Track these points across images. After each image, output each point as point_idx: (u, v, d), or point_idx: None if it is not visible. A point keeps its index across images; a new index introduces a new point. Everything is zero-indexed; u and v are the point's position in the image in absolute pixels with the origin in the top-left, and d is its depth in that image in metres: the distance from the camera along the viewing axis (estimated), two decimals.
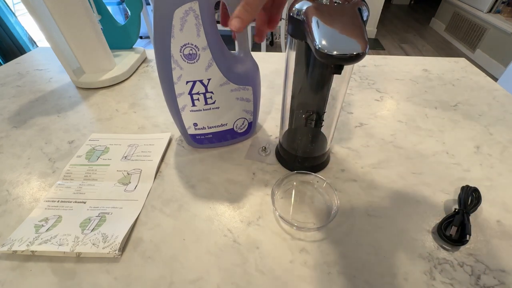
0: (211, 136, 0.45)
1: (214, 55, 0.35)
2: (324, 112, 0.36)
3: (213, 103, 0.40)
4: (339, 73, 0.24)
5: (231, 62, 0.38)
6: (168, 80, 0.36)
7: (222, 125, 0.43)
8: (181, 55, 0.34)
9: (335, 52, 0.21)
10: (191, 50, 0.34)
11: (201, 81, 0.37)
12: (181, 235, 0.34)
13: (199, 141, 0.45)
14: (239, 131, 0.46)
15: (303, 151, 0.42)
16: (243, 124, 0.45)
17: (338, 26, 0.22)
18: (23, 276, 0.31)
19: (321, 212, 0.37)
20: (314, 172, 0.40)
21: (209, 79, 0.37)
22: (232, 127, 0.45)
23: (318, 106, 0.36)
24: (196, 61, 0.35)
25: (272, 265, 0.31)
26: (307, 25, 0.23)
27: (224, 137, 0.46)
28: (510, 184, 0.40)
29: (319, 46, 0.21)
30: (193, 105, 0.39)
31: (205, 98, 0.39)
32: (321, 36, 0.22)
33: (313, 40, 0.22)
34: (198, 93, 0.38)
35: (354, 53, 0.21)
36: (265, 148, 0.45)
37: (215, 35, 0.34)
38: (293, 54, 0.32)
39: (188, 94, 0.38)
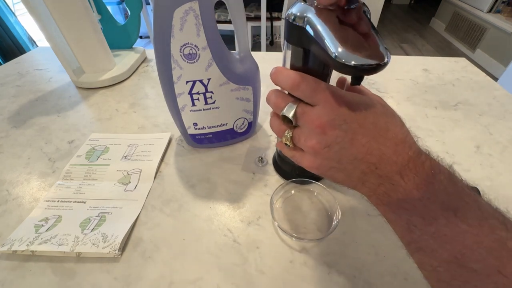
0: (211, 136, 0.45)
1: (214, 54, 0.35)
2: None
3: (213, 103, 0.40)
4: (359, 83, 0.23)
5: (231, 62, 0.38)
6: (168, 80, 0.36)
7: (222, 125, 0.43)
8: (181, 54, 0.34)
9: (353, 62, 0.19)
10: (191, 49, 0.34)
11: (201, 81, 0.37)
12: (181, 235, 0.34)
13: (199, 141, 0.45)
14: (239, 131, 0.46)
15: None
16: (243, 124, 0.45)
17: (353, 32, 0.21)
18: (23, 276, 0.31)
19: (321, 221, 0.36)
20: (314, 181, 0.39)
21: (209, 79, 0.37)
22: (232, 127, 0.44)
23: None
24: (196, 61, 0.35)
25: (272, 265, 0.31)
26: (316, 32, 0.21)
27: (224, 137, 0.46)
28: (510, 183, 0.40)
29: (336, 54, 0.19)
30: (193, 105, 0.39)
31: (205, 98, 0.39)
32: (336, 44, 0.20)
33: (327, 49, 0.20)
34: (198, 93, 0.38)
35: (379, 62, 0.19)
36: (261, 158, 0.44)
37: (215, 35, 0.34)
38: (289, 58, 0.30)
39: (188, 94, 0.38)
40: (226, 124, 0.44)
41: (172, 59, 0.34)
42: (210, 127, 0.43)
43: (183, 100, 0.39)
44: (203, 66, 0.35)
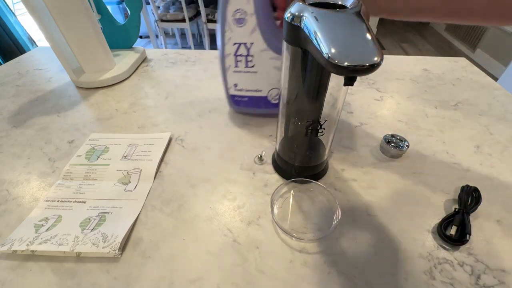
0: (247, 99, 0.48)
1: (259, 21, 0.38)
2: (325, 121, 0.35)
3: (252, 67, 0.43)
4: (351, 84, 0.22)
5: (275, 30, 0.40)
6: (222, 42, 0.41)
7: (257, 90, 0.46)
8: (233, 19, 0.38)
9: (345, 63, 0.19)
10: (240, 14, 0.37)
11: (244, 44, 0.40)
12: (181, 235, 0.34)
13: (237, 102, 0.49)
14: (272, 101, 0.48)
15: (301, 160, 0.41)
16: (276, 95, 0.47)
17: (348, 33, 0.21)
18: (23, 276, 0.31)
19: (321, 221, 0.36)
20: (314, 181, 0.39)
21: (252, 43, 0.40)
22: (266, 95, 0.47)
23: (314, 114, 0.35)
24: (244, 25, 0.38)
25: (272, 265, 0.31)
26: (312, 32, 0.21)
27: (258, 104, 0.48)
28: (510, 183, 0.40)
29: (329, 55, 0.20)
30: (236, 66, 0.43)
31: (246, 61, 0.42)
32: (331, 45, 0.20)
33: (321, 49, 0.20)
34: (241, 55, 0.42)
35: (372, 63, 0.19)
36: (261, 156, 0.44)
37: (263, 2, 0.37)
38: (288, 59, 0.30)
39: (234, 55, 0.42)
40: (261, 90, 0.46)
41: (226, 22, 0.39)
42: (247, 90, 0.46)
43: (229, 61, 0.43)
44: (248, 30, 0.39)
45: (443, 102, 0.58)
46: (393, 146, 0.44)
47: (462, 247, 0.33)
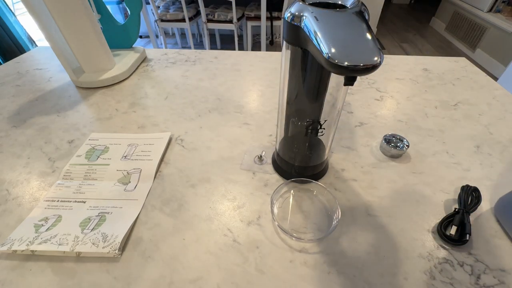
0: None
1: None
2: (325, 121, 0.35)
3: None
4: (351, 84, 0.22)
5: None
6: None
7: None
8: None
9: (345, 63, 0.19)
10: None
11: None
12: (181, 235, 0.34)
13: None
14: None
15: (301, 160, 0.41)
16: None
17: (348, 33, 0.21)
18: (23, 275, 0.31)
19: (321, 221, 0.36)
20: (314, 181, 0.39)
21: None
22: None
23: (314, 114, 0.35)
24: None
25: (272, 265, 0.31)
26: (312, 32, 0.21)
27: None
28: (510, 183, 0.40)
29: (329, 54, 0.20)
30: None
31: None
32: (331, 45, 0.20)
33: (321, 49, 0.20)
34: None
35: (372, 63, 0.19)
36: (260, 156, 0.44)
37: None
38: (288, 59, 0.30)
39: None
40: None
41: None
42: None
43: None
44: None
45: (443, 102, 0.58)
46: (393, 146, 0.44)
47: (462, 247, 0.33)
